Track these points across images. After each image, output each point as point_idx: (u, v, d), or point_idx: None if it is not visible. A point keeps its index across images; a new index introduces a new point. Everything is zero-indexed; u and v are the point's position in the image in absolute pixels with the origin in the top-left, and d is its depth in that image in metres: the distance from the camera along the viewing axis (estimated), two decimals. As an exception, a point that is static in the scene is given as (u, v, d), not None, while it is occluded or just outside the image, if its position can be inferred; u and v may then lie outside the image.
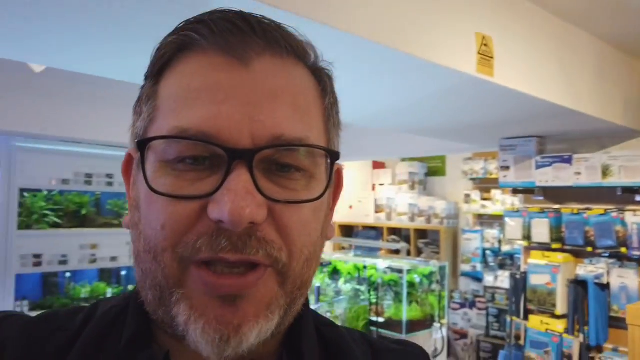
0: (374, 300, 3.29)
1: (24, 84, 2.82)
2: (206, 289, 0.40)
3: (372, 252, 4.59)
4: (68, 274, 3.36)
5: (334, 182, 0.51)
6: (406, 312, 3.18)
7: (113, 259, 3.37)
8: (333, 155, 0.45)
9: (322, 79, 0.48)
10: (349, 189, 6.33)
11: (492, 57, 1.38)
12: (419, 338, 3.23)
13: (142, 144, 0.42)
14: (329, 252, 4.56)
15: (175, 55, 0.44)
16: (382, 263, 3.38)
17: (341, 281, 3.57)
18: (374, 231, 5.32)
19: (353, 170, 6.35)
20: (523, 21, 1.61)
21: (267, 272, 0.41)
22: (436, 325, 3.34)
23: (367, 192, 6.16)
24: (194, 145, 0.40)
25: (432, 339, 3.34)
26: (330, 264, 3.64)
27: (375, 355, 0.55)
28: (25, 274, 3.05)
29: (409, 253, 5.77)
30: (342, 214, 6.31)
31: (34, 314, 0.51)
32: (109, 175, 3.38)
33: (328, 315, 3.07)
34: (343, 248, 5.47)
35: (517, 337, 2.63)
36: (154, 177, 0.42)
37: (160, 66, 0.45)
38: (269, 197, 0.40)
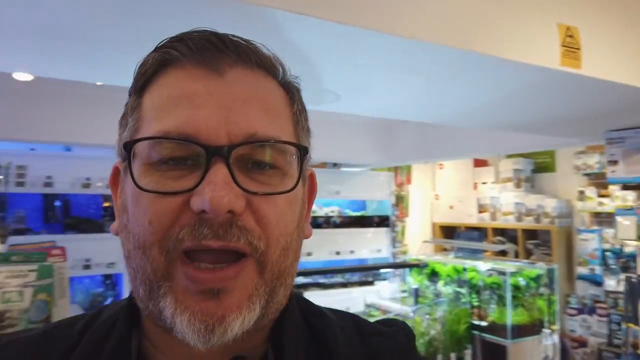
0: (475, 303, 3.20)
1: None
2: (190, 283, 0.43)
3: (475, 253, 4.43)
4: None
5: (308, 184, 0.56)
6: (511, 317, 3.04)
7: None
8: (302, 151, 0.49)
9: (290, 90, 0.53)
10: (449, 189, 6.16)
11: (578, 49, 1.30)
12: (526, 344, 3.07)
13: (129, 145, 0.46)
14: (428, 254, 4.49)
15: (157, 71, 0.49)
16: (483, 265, 3.27)
17: (440, 283, 3.51)
18: (477, 232, 5.12)
19: (452, 170, 6.17)
20: (613, 7, 1.49)
21: (247, 263, 0.45)
22: (546, 331, 3.15)
23: (468, 191, 5.94)
24: (176, 147, 0.44)
25: (542, 345, 3.15)
26: (427, 265, 3.60)
27: (363, 340, 0.57)
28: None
29: (517, 255, 5.48)
30: (442, 214, 6.16)
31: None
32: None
33: (427, 317, 3.04)
34: (444, 249, 5.34)
35: (635, 346, 2.40)
36: (140, 178, 0.45)
37: (143, 82, 0.49)
38: (246, 190, 0.44)
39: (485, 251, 5.68)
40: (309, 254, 4.06)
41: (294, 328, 0.53)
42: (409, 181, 6.19)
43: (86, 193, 3.29)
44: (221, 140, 0.44)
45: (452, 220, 6.04)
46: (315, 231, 4.16)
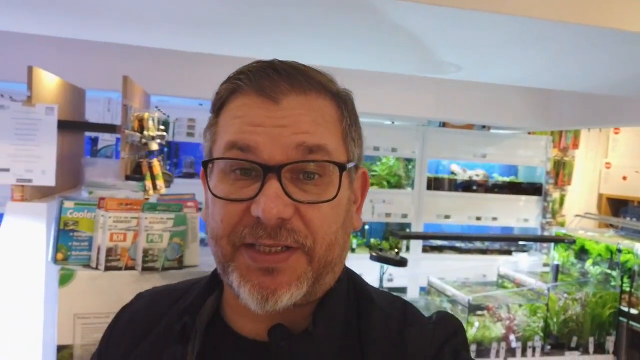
0: (626, 289, 2.88)
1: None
2: (251, 262, 0.56)
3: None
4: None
5: (361, 181, 0.66)
6: (668, 309, 2.69)
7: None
8: (341, 167, 0.58)
9: (340, 104, 0.62)
10: (624, 156, 5.41)
11: None
12: (686, 342, 2.70)
13: (205, 163, 0.60)
14: (587, 228, 4.09)
15: (228, 97, 0.61)
16: (642, 248, 2.91)
17: (589, 262, 3.21)
18: (651, 208, 4.47)
19: (632, 135, 5.38)
20: None
21: (296, 252, 0.56)
22: None
23: (648, 161, 5.16)
24: (241, 164, 0.57)
25: None
26: (574, 242, 3.31)
27: (401, 329, 0.62)
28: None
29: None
30: (612, 185, 5.47)
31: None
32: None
33: (565, 296, 2.85)
34: (611, 226, 4.79)
35: None
36: (215, 184, 0.59)
37: (219, 105, 0.62)
38: (295, 199, 0.55)
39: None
40: (447, 217, 4.01)
41: (334, 308, 0.62)
42: (575, 146, 5.58)
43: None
44: (276, 157, 0.55)
45: (623, 193, 5.34)
46: (455, 194, 4.11)
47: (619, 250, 2.99)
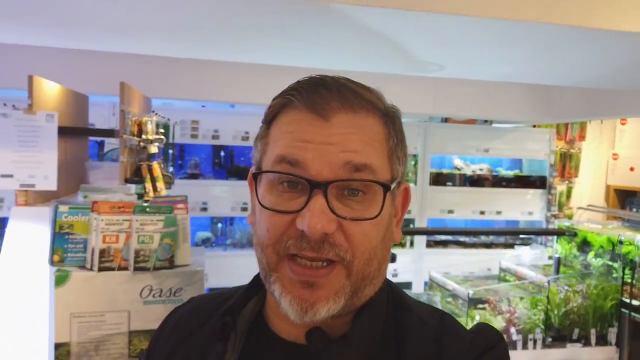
0: (628, 280, 2.88)
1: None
2: (293, 275, 0.58)
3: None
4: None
5: (402, 197, 0.67)
6: (670, 300, 2.69)
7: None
8: (385, 187, 0.59)
9: (388, 124, 0.63)
10: (631, 147, 5.36)
11: None
12: (688, 332, 2.70)
13: (255, 175, 0.62)
14: (594, 221, 4.07)
15: (280, 111, 0.62)
16: (643, 239, 2.91)
17: (591, 254, 3.21)
18: (658, 199, 4.42)
19: (638, 124, 5.33)
20: None
21: (336, 268, 0.57)
22: None
23: (656, 150, 5.11)
24: (289, 178, 0.59)
25: None
26: (575, 234, 3.31)
27: (438, 339, 0.62)
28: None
29: None
30: (619, 176, 5.44)
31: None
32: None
33: (566, 289, 2.86)
34: (618, 218, 4.76)
35: None
36: (263, 194, 0.60)
37: (271, 117, 0.63)
38: (339, 215, 0.57)
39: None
40: (451, 212, 4.02)
41: (372, 316, 0.63)
42: (582, 137, 5.55)
43: (245, 145, 3.74)
44: (323, 174, 0.57)
45: (631, 184, 5.31)
46: (459, 189, 4.13)
47: (620, 242, 2.99)
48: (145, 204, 1.31)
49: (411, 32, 1.24)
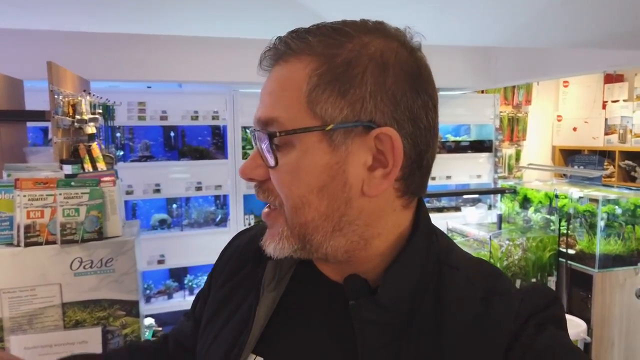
0: (564, 231, 3.06)
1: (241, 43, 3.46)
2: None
3: (593, 180, 4.08)
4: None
5: (388, 146, 0.57)
6: (600, 246, 2.87)
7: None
8: (270, 135, 0.57)
9: (322, 62, 0.56)
10: (574, 109, 5.59)
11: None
12: (617, 274, 2.90)
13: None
14: (544, 179, 4.26)
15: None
16: (576, 192, 3.08)
17: (531, 210, 3.39)
18: (597, 156, 4.66)
19: (579, 87, 5.56)
20: None
21: (274, 211, 0.61)
22: (644, 262, 2.93)
23: (596, 110, 5.35)
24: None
25: (638, 277, 2.95)
26: (514, 191, 3.47)
27: (486, 298, 0.59)
28: (250, 194, 3.84)
29: (647, 181, 4.92)
30: (564, 137, 5.67)
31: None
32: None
33: (507, 242, 3.01)
34: (564, 175, 4.99)
35: None
36: None
37: None
38: (264, 162, 0.60)
39: (610, 177, 5.18)
40: (402, 179, 4.12)
41: (403, 272, 0.60)
42: (528, 102, 5.74)
43: (195, 125, 3.73)
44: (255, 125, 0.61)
45: (574, 144, 5.56)
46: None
47: (556, 196, 3.16)
48: (70, 179, 1.33)
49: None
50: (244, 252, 0.77)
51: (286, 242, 0.60)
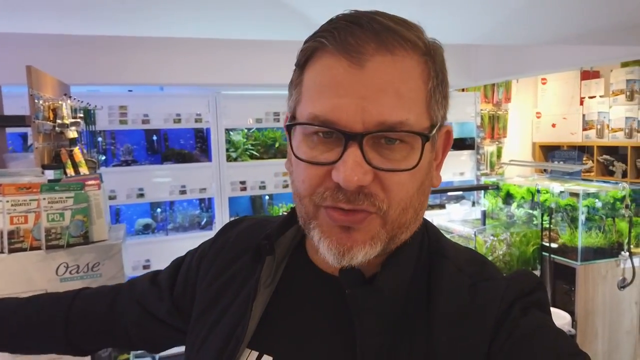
0: (546, 225, 3.11)
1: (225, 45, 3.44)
2: (331, 221, 0.57)
3: (573, 175, 4.15)
4: (267, 197, 4.05)
5: (443, 139, 0.65)
6: (582, 239, 2.93)
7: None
8: (424, 137, 0.56)
9: (429, 64, 0.58)
10: (552, 105, 5.69)
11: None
12: (599, 266, 2.96)
13: (290, 127, 0.60)
14: (525, 175, 4.33)
15: (313, 54, 0.58)
16: (557, 187, 3.13)
17: (513, 205, 3.44)
18: (576, 151, 4.75)
19: (557, 84, 5.66)
20: None
21: (371, 215, 0.56)
22: (624, 254, 2.99)
23: (574, 107, 5.46)
24: (324, 128, 0.56)
25: (620, 269, 3.01)
26: (497, 187, 3.52)
27: (473, 285, 0.61)
28: (235, 196, 3.83)
29: (625, 175, 5.03)
30: (543, 133, 5.77)
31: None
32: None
33: (491, 238, 3.05)
34: (545, 171, 5.08)
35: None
36: (298, 144, 0.59)
37: (304, 61, 0.60)
38: (375, 167, 0.55)
39: (589, 171, 5.28)
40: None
41: (403, 261, 0.62)
42: (507, 99, 5.83)
43: (177, 127, 3.70)
44: (356, 126, 0.54)
45: (553, 140, 5.65)
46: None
47: (538, 191, 3.21)
48: (54, 183, 1.31)
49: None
50: (235, 246, 0.76)
51: (379, 245, 0.58)
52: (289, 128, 0.60)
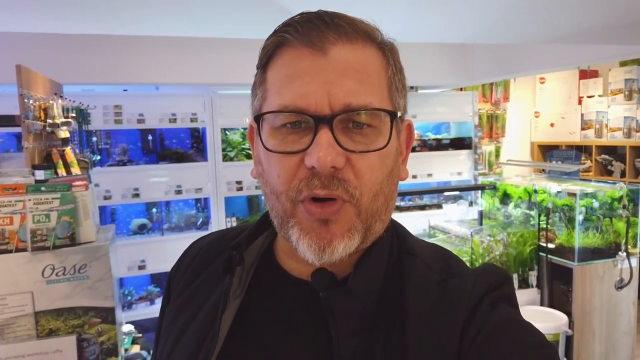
0: (543, 226, 3.09)
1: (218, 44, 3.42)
2: (309, 215, 0.56)
3: (571, 175, 4.13)
4: (263, 197, 4.03)
5: (405, 133, 0.66)
6: (579, 239, 2.91)
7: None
8: (392, 114, 0.58)
9: (386, 53, 0.61)
10: (550, 104, 5.67)
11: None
12: (597, 267, 2.94)
13: (258, 117, 0.60)
14: (524, 175, 4.31)
15: (275, 51, 0.59)
16: (554, 187, 3.11)
17: (510, 205, 3.42)
18: (574, 151, 4.73)
19: (555, 83, 5.64)
20: None
21: (345, 204, 0.56)
22: (622, 254, 2.97)
23: (572, 106, 5.44)
24: (292, 116, 0.57)
25: (617, 269, 3.00)
26: (494, 187, 3.50)
27: (442, 282, 0.62)
28: (231, 196, 3.81)
29: (623, 174, 5.01)
30: (541, 133, 5.75)
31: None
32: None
33: (488, 238, 3.03)
34: (543, 171, 5.06)
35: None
36: (267, 140, 0.58)
37: (266, 60, 0.60)
38: (346, 148, 0.55)
39: (588, 171, 5.27)
40: (384, 178, 4.13)
41: (374, 261, 0.62)
42: (506, 99, 5.81)
43: (173, 127, 3.68)
44: (325, 110, 0.55)
45: (552, 139, 5.64)
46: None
47: (535, 191, 3.19)
48: (40, 184, 1.29)
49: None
50: (205, 256, 0.75)
51: (357, 237, 0.57)
52: (257, 121, 0.60)
